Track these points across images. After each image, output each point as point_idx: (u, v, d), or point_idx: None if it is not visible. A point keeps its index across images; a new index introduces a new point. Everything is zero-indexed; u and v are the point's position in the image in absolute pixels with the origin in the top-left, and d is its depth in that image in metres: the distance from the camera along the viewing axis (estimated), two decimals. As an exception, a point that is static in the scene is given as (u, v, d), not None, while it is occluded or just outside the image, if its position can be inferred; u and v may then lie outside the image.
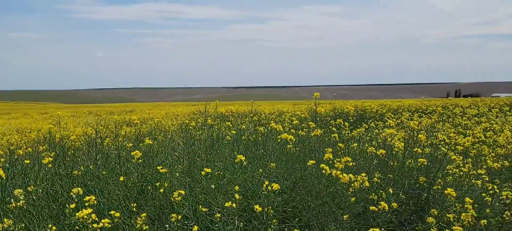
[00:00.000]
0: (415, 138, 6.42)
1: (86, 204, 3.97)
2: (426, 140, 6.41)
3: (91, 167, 5.45)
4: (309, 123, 5.64)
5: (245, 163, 4.87)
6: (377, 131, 8.47)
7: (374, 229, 4.25)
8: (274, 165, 5.17)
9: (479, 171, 6.07)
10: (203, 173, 4.70)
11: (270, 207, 4.41)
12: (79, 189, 4.15)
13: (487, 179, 6.39)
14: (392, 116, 15.61)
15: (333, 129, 7.17)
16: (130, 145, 5.96)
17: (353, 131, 9.06)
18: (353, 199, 4.56)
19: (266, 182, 4.45)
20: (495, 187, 5.98)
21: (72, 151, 5.87)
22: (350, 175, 4.50)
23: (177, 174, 5.18)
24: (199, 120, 8.84)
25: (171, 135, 8.29)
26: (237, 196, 4.33)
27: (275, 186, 4.34)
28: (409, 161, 5.80)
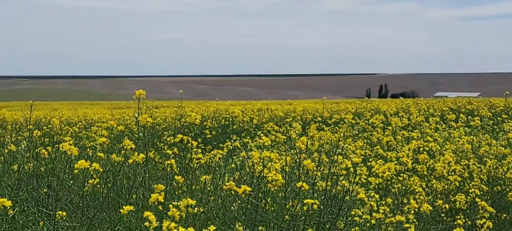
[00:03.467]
0: (303, 166, 6.73)
1: None
2: (319, 168, 6.73)
3: None
4: (126, 141, 5.70)
5: (11, 211, 4.78)
6: (243, 154, 8.74)
7: None
8: (64, 214, 5.14)
9: (398, 218, 6.52)
10: None
11: None
12: None
13: (413, 230, 6.89)
14: (276, 128, 16.16)
15: (170, 151, 7.27)
16: None
17: (207, 153, 9.25)
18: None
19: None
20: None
21: None
22: (190, 230, 4.58)
23: None
24: None
25: None
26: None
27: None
28: (292, 203, 6.05)
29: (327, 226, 6.26)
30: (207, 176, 6.59)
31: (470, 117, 16.22)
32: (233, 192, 5.86)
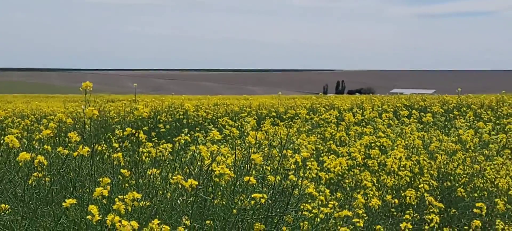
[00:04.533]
0: (251, 160, 6.74)
1: None
2: (268, 163, 6.74)
3: None
4: (70, 134, 5.64)
5: None
6: (193, 148, 8.72)
7: None
8: (7, 206, 5.09)
9: (345, 212, 6.54)
10: None
11: None
12: None
13: (362, 225, 6.91)
14: (231, 123, 16.16)
15: (117, 144, 7.22)
16: None
17: (157, 146, 9.20)
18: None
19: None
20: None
21: None
22: (133, 223, 4.55)
23: None
24: None
25: None
26: None
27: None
28: (240, 197, 6.05)
29: (276, 220, 6.27)
30: (154, 170, 6.56)
31: (422, 113, 16.36)
32: (180, 186, 5.84)
